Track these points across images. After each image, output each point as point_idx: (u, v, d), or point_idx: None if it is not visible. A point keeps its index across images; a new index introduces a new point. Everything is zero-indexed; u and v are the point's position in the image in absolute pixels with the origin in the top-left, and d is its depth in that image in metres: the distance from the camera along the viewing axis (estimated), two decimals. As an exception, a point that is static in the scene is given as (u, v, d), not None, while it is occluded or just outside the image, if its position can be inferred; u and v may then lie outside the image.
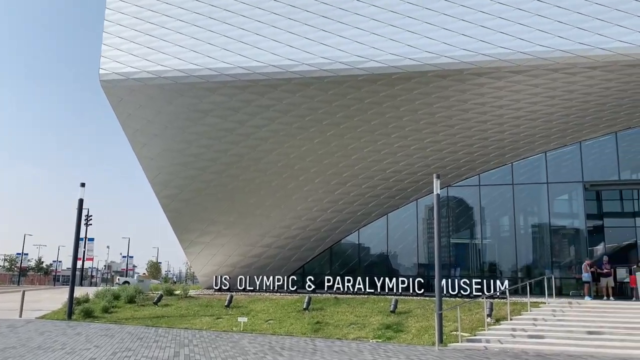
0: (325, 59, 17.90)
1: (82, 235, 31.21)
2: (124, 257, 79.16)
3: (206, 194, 22.72)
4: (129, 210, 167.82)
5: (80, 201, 20.59)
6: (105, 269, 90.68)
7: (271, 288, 22.66)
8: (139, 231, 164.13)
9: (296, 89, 18.69)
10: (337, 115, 19.59)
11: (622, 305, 16.96)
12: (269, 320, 17.56)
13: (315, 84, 18.35)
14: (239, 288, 23.05)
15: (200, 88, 18.97)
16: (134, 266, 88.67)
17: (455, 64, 17.14)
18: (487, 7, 17.32)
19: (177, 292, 23.73)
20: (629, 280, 19.98)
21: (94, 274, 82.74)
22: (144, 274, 78.99)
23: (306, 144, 20.78)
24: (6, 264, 75.74)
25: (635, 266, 19.87)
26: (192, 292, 23.88)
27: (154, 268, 76.61)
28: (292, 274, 24.25)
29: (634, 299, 19.09)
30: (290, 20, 18.48)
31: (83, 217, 44.30)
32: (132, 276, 64.82)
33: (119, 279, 44.76)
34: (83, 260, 50.51)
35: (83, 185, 20.80)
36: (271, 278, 22.92)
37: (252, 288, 22.92)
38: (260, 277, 23.14)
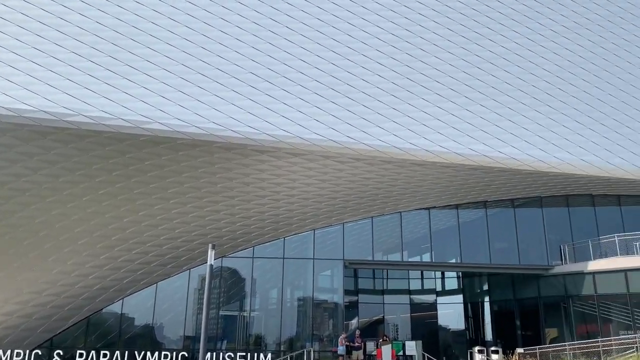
0: (107, 114, 16.92)
1: None
2: None
3: None
4: None
5: None
6: None
7: (8, 365, 19.27)
8: None
9: (68, 140, 17.13)
10: (114, 173, 18.43)
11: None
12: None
13: (92, 137, 17.09)
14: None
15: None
16: None
17: (240, 139, 17.78)
18: (273, 92, 18.68)
19: None
20: (375, 353, 22.09)
21: None
22: None
23: (73, 200, 18.92)
24: None
25: (381, 340, 22.14)
26: None
27: None
28: (37, 348, 21.02)
29: (379, 370, 21.12)
30: (72, 68, 17.17)
31: None
32: None
33: None
34: None
35: None
36: (8, 352, 19.51)
37: (-21, 365, 19.19)
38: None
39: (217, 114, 17.73)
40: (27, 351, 19.64)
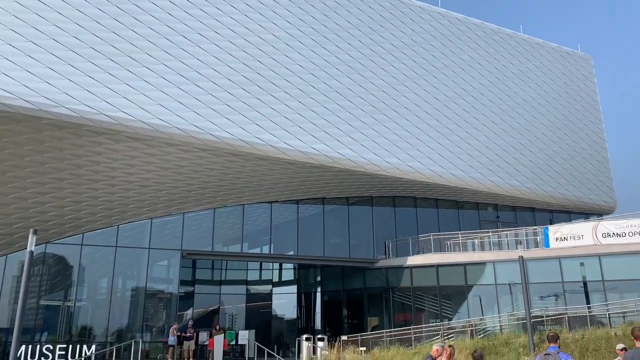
0: None
1: None
2: None
3: None
4: None
5: None
6: None
7: None
8: None
9: None
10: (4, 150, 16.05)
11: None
12: None
13: None
14: None
15: None
16: None
17: (74, 118, 16.63)
18: (116, 71, 17.76)
19: None
20: (208, 343, 22.20)
21: None
22: None
23: None
24: None
25: (214, 330, 22.31)
26: None
27: None
28: None
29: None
30: None
31: None
32: None
33: None
34: None
35: None
36: None
37: None
38: None
39: (49, 88, 16.37)
40: None
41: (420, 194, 28.28)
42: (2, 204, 19.11)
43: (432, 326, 23.87)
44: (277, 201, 25.93)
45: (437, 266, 25.24)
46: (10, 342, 19.65)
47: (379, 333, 24.22)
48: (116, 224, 22.73)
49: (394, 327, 24.85)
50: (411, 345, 21.97)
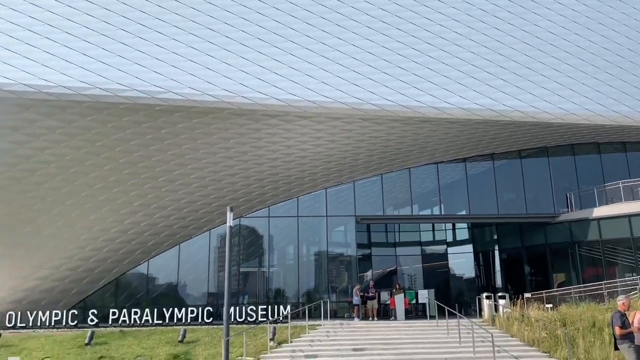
0: (122, 86, 17.64)
1: None
2: None
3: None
4: None
5: None
6: None
7: (47, 324, 20.72)
8: None
9: (87, 113, 17.96)
10: (131, 142, 19.31)
11: (382, 325, 19.85)
12: (46, 358, 16.18)
13: (109, 109, 17.89)
14: (8, 325, 20.56)
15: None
16: None
17: (249, 105, 18.47)
18: (281, 57, 19.20)
19: None
20: (389, 303, 23.28)
21: None
22: None
23: (95, 170, 19.92)
24: None
25: (394, 289, 23.29)
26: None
27: None
28: (72, 308, 22.51)
29: (392, 318, 22.32)
30: (86, 43, 17.81)
31: None
32: None
33: None
34: None
35: None
36: (47, 313, 20.97)
37: (24, 324, 20.66)
38: (35, 312, 20.99)
39: (227, 82, 18.38)
40: (64, 311, 21.07)
41: (603, 139, 25.72)
42: (201, 186, 22.10)
43: (628, 280, 21.95)
44: (442, 162, 25.76)
45: (630, 216, 22.97)
46: (220, 304, 23.00)
47: (566, 289, 23.00)
48: (295, 196, 24.80)
49: (582, 283, 23.38)
50: (603, 301, 20.55)
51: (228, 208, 16.76)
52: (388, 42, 20.79)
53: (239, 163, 21.49)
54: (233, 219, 16.94)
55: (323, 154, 22.22)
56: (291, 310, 20.51)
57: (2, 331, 19.55)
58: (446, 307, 18.14)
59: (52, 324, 20.73)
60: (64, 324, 20.74)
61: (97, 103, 17.65)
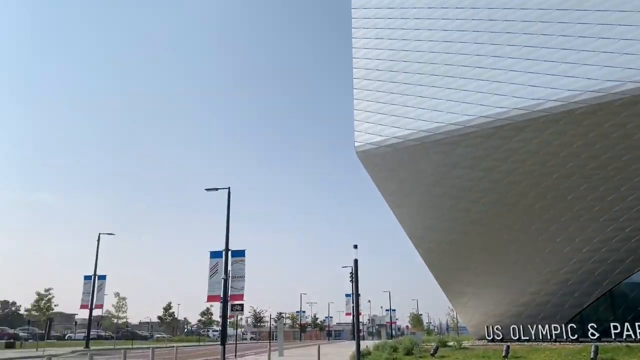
0: (573, 91, 17.05)
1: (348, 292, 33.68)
2: (386, 310, 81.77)
3: (464, 245, 22.95)
4: (388, 264, 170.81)
5: (355, 261, 22.66)
6: (369, 322, 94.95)
7: (548, 337, 21.29)
8: (396, 284, 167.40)
9: (543, 127, 18.08)
10: (595, 146, 18.19)
11: None
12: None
13: (564, 119, 17.52)
14: (513, 338, 22.23)
15: (445, 143, 19.77)
16: (396, 319, 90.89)
17: None
18: None
19: (450, 343, 23.96)
20: None
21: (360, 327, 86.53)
22: (407, 326, 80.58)
23: (564, 182, 19.63)
24: (289, 321, 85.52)
25: None
26: (465, 343, 23.82)
27: (416, 320, 77.48)
28: (569, 322, 22.40)
29: None
30: (530, 61, 18.25)
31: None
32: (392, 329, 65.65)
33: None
34: (356, 317, 53.87)
35: (355, 247, 22.89)
36: (547, 327, 21.57)
37: (527, 338, 21.90)
38: (535, 326, 21.96)
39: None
40: (562, 325, 21.15)
41: None
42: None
43: None
44: None
45: None
46: None
47: None
48: None
49: None
50: None
51: None
52: None
53: None
54: None
55: None
56: None
57: (509, 343, 21.15)
58: None
59: (553, 337, 21.12)
60: (564, 337, 20.80)
61: (551, 115, 17.60)
